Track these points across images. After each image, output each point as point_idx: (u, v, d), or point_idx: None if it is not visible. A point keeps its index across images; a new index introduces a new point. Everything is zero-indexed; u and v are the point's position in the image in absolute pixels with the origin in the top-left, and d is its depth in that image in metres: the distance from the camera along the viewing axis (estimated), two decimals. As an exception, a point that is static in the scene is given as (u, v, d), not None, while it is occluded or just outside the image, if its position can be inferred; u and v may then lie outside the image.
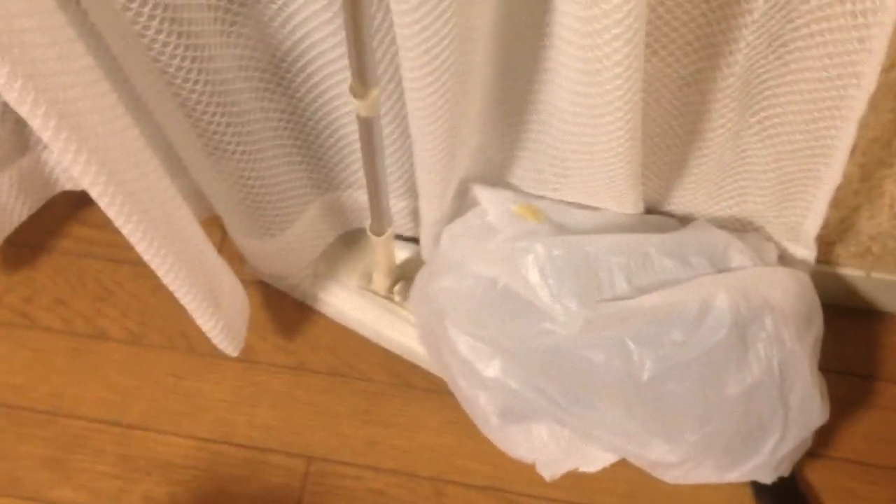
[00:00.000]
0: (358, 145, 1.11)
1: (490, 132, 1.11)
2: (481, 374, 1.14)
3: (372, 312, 1.32)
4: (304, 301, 1.36)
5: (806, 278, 1.11)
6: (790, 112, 0.93)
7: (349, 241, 1.35)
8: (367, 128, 1.01)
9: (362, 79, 0.93)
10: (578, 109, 0.93)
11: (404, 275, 1.31)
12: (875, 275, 1.21)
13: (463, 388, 1.18)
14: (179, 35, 0.89)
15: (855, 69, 0.83)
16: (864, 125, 0.93)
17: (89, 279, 1.41)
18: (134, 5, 0.84)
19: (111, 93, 0.88)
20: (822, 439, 1.20)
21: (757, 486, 1.20)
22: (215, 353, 1.29)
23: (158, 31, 0.88)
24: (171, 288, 1.06)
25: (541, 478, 1.23)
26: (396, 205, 1.25)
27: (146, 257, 1.00)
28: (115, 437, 1.30)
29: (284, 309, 1.37)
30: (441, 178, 1.08)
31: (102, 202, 0.87)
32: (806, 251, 1.13)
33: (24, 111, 0.75)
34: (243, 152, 1.08)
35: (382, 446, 1.28)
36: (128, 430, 1.31)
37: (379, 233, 1.17)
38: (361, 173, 1.18)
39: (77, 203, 1.45)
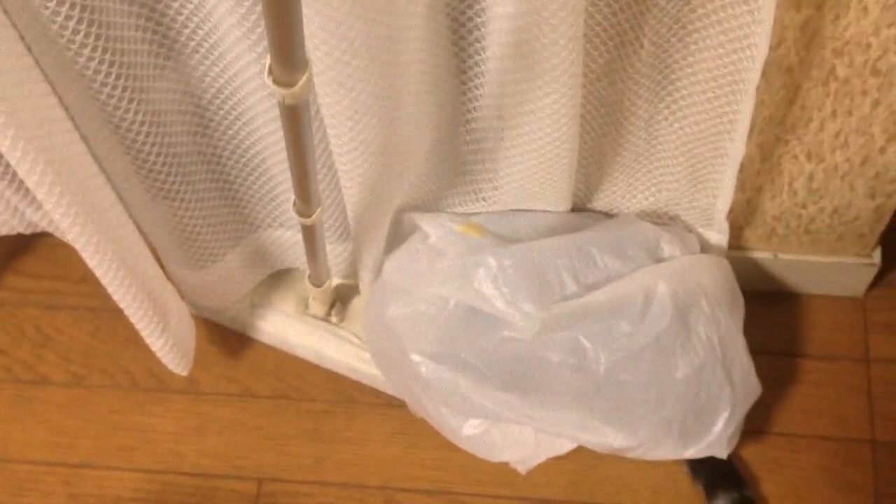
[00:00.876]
0: (286, 187, 1.15)
1: (422, 167, 1.15)
2: (446, 394, 1.16)
3: (311, 335, 1.34)
4: (244, 332, 1.38)
5: (726, 263, 1.18)
6: (694, 94, 1.00)
7: (282, 270, 1.37)
8: (310, 234, 1.06)
9: (306, 199, 0.98)
10: (515, 109, 0.98)
11: (340, 297, 1.34)
12: (782, 256, 1.27)
13: (429, 408, 1.20)
14: (120, 65, 0.92)
15: (748, 41, 0.90)
16: (759, 104, 1.00)
17: (28, 327, 1.41)
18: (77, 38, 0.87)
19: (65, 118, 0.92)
20: (749, 414, 1.25)
21: (691, 461, 1.24)
22: (160, 386, 1.32)
23: (100, 63, 0.91)
24: (123, 304, 1.08)
25: (486, 476, 1.26)
26: (334, 250, 1.28)
27: (103, 276, 1.02)
28: (63, 478, 1.30)
29: (226, 340, 1.39)
30: (374, 218, 1.13)
31: (59, 216, 0.89)
32: (720, 235, 1.19)
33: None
34: (174, 182, 1.10)
35: (331, 461, 1.30)
36: (76, 469, 1.31)
37: (318, 285, 1.21)
38: (291, 215, 1.21)
39: (10, 253, 1.46)
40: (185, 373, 1.28)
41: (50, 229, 1.34)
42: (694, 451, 1.16)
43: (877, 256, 1.27)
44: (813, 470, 1.26)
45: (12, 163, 0.89)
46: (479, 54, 0.97)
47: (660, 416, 1.12)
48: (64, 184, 0.94)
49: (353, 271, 1.30)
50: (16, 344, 1.40)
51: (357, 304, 1.34)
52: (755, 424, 1.27)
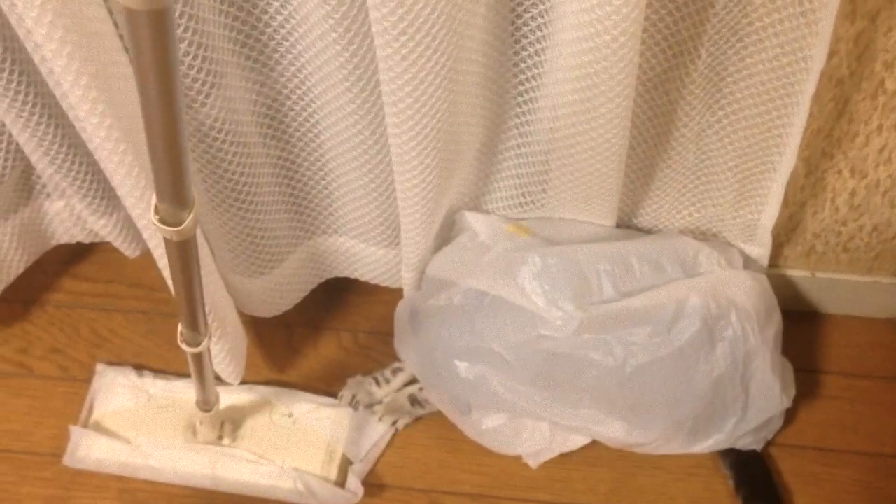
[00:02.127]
0: (345, 191, 1.17)
1: (475, 170, 1.18)
2: (474, 386, 1.19)
3: (205, 462, 1.29)
4: (135, 475, 1.31)
5: (764, 279, 1.21)
6: (747, 107, 1.02)
7: (162, 404, 1.35)
8: (198, 361, 1.08)
9: (195, 329, 1.00)
10: (571, 119, 1.00)
11: (228, 418, 1.31)
12: (819, 275, 1.29)
13: (453, 402, 1.23)
14: (204, 48, 0.95)
15: (804, 53, 0.93)
16: (808, 116, 1.02)
17: (84, 328, 1.43)
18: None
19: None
20: (786, 429, 1.27)
21: (735, 473, 1.25)
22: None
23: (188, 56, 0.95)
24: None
25: (527, 482, 1.27)
26: (375, 253, 1.31)
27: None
28: (115, 476, 1.31)
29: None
30: (425, 222, 1.15)
31: (126, 195, 0.92)
32: (761, 249, 1.22)
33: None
34: (244, 185, 1.13)
35: (379, 464, 1.31)
36: (129, 466, 1.32)
37: (208, 410, 1.23)
38: (349, 220, 1.24)
39: (68, 259, 1.48)
40: (236, 382, 1.31)
41: (109, 239, 1.36)
42: (700, 449, 1.21)
43: (912, 277, 1.29)
44: (848, 484, 1.27)
45: (106, 154, 0.92)
46: (538, 56, 1.00)
47: (674, 418, 1.18)
48: (148, 187, 0.97)
49: (395, 277, 1.31)
50: (72, 344, 1.42)
51: (249, 422, 1.32)
52: (792, 439, 1.29)
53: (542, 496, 1.28)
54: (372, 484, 1.29)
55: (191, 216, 0.79)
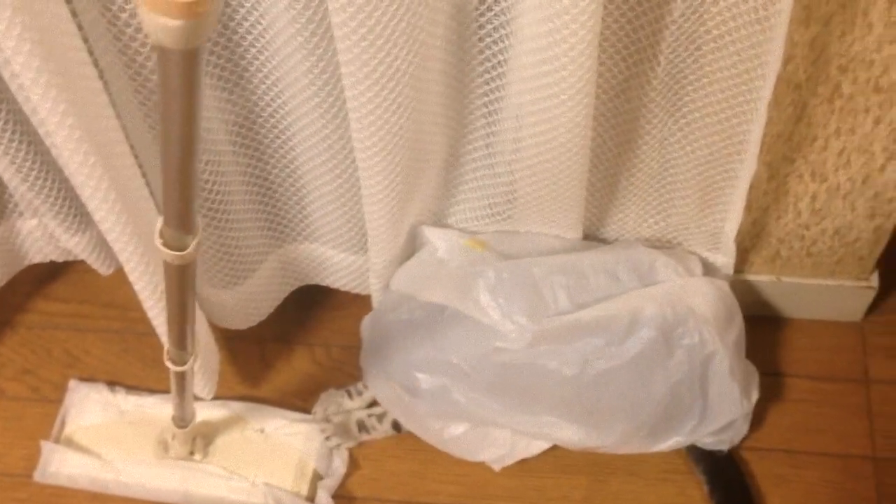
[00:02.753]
0: (315, 197, 1.18)
1: (442, 181, 1.19)
2: (435, 398, 1.20)
3: (177, 477, 1.29)
4: (106, 491, 1.30)
5: (724, 285, 1.21)
6: (707, 115, 1.03)
7: (133, 420, 1.34)
8: (181, 379, 1.09)
9: (182, 348, 1.01)
10: (533, 129, 1.01)
11: (200, 433, 1.31)
12: (784, 279, 1.30)
13: (417, 413, 1.23)
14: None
15: (760, 60, 0.94)
16: (767, 121, 1.03)
17: (55, 348, 1.43)
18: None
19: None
20: (754, 432, 1.28)
21: (709, 479, 1.26)
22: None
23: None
24: (157, 324, 1.11)
25: (501, 490, 1.28)
26: (345, 259, 1.31)
27: (142, 292, 1.05)
28: (90, 493, 1.30)
29: None
30: (391, 227, 1.15)
31: (96, 208, 0.92)
32: (725, 258, 1.23)
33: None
34: (217, 194, 1.13)
35: (353, 477, 1.30)
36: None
37: (184, 426, 1.23)
38: (318, 227, 1.24)
39: (40, 279, 1.48)
40: (209, 397, 1.30)
41: (82, 256, 1.36)
42: (658, 448, 1.23)
43: (875, 280, 1.30)
44: (817, 485, 1.28)
45: (75, 168, 0.92)
46: (501, 67, 1.00)
47: (632, 422, 1.19)
48: (118, 201, 0.98)
49: (365, 284, 1.32)
50: (44, 364, 1.42)
51: (220, 437, 1.32)
52: (760, 442, 1.30)
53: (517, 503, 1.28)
54: (345, 497, 1.29)
55: (195, 242, 0.81)
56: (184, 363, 1.07)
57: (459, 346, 1.18)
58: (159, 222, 0.80)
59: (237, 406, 1.35)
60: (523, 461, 1.28)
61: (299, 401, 1.37)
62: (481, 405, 1.20)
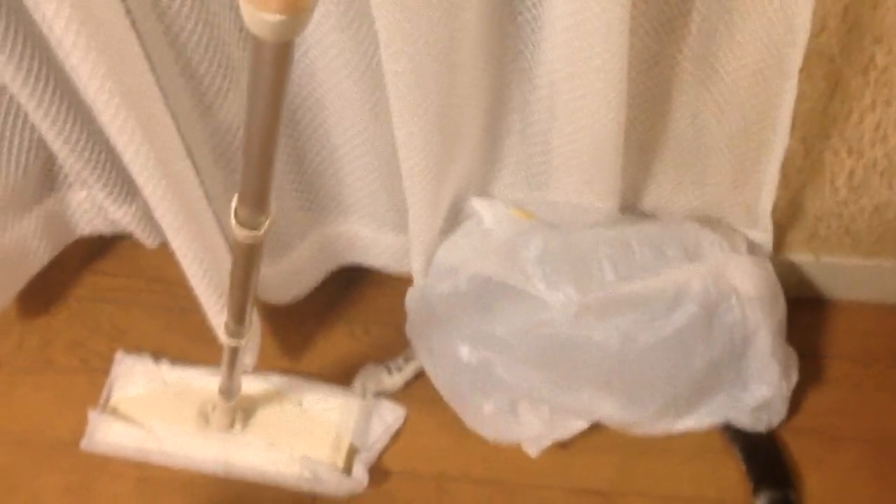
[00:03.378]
0: (354, 177, 1.19)
1: (480, 154, 1.19)
2: (477, 371, 1.19)
3: (217, 448, 1.31)
4: (147, 460, 1.32)
5: (768, 265, 1.20)
6: (740, 86, 1.02)
7: (177, 391, 1.36)
8: (234, 354, 1.11)
9: (241, 323, 1.02)
10: (569, 95, 1.01)
11: (241, 406, 1.32)
12: (823, 259, 1.28)
13: (459, 384, 1.23)
14: (220, 64, 0.99)
15: (790, 24, 0.92)
16: (801, 95, 1.02)
17: (104, 322, 1.45)
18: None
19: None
20: (793, 414, 1.27)
21: (747, 457, 1.25)
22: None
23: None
24: (205, 300, 1.12)
25: (533, 468, 1.28)
26: (385, 238, 1.31)
27: (189, 268, 1.12)
28: (133, 462, 1.32)
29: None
30: (430, 202, 1.15)
31: (138, 173, 0.94)
32: (764, 234, 1.21)
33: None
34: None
35: (387, 451, 1.31)
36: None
37: (230, 399, 1.25)
38: (358, 206, 1.25)
39: (89, 255, 1.50)
40: (250, 368, 1.32)
41: (130, 229, 1.38)
42: (690, 425, 1.23)
43: (915, 261, 1.28)
44: (855, 467, 1.27)
45: (121, 146, 0.94)
46: (535, 34, 1.00)
47: (669, 397, 1.19)
48: (163, 178, 1.00)
49: (405, 263, 1.32)
50: (92, 337, 1.44)
51: (260, 410, 1.33)
52: (798, 423, 1.29)
53: (549, 481, 1.28)
54: (380, 471, 1.30)
55: (268, 221, 0.82)
56: (241, 337, 1.09)
57: (504, 318, 1.18)
58: (234, 201, 0.81)
59: (277, 380, 1.36)
60: (557, 441, 1.28)
61: (337, 376, 1.38)
62: (523, 378, 1.19)
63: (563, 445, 1.28)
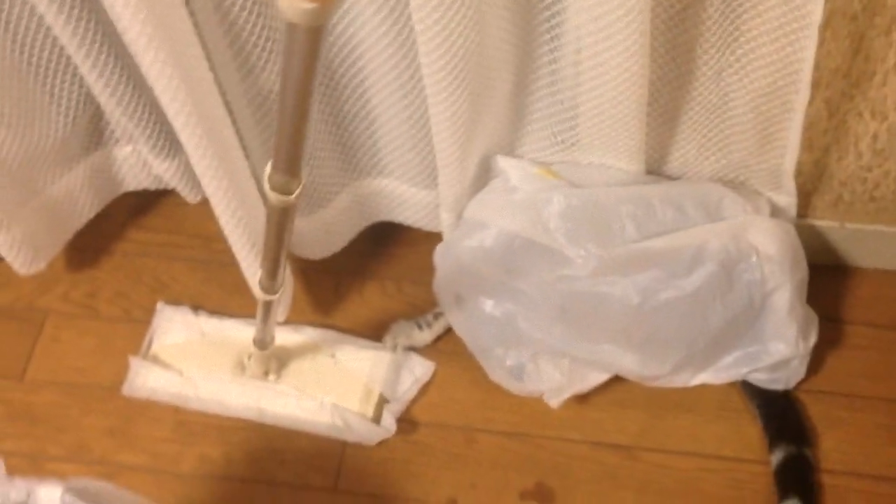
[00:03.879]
0: (386, 131, 1.22)
1: (508, 112, 1.21)
2: (500, 324, 1.24)
3: (252, 395, 1.35)
4: (186, 406, 1.37)
5: (790, 227, 1.22)
6: (763, 44, 1.04)
7: (214, 341, 1.41)
8: (269, 307, 1.15)
9: (274, 278, 1.06)
10: (594, 49, 1.03)
11: (276, 356, 1.36)
12: (848, 225, 1.30)
13: (483, 336, 1.26)
14: (263, 28, 1.03)
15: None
16: (825, 55, 1.04)
17: (146, 275, 1.50)
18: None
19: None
20: (813, 376, 1.29)
21: (763, 413, 1.27)
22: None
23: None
24: (240, 252, 1.17)
25: (559, 421, 1.30)
26: (417, 194, 1.35)
27: (226, 225, 1.17)
28: (172, 407, 1.37)
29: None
30: (459, 158, 1.18)
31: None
32: (788, 198, 1.23)
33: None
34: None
35: (417, 404, 1.35)
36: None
37: (264, 348, 1.30)
38: (390, 161, 1.28)
39: (133, 210, 1.55)
40: (282, 319, 1.36)
41: (173, 184, 1.42)
42: (705, 379, 1.27)
43: (939, 229, 1.29)
44: (872, 428, 1.28)
45: (165, 102, 0.98)
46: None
47: (687, 352, 1.21)
48: (204, 130, 1.04)
49: (436, 221, 1.35)
50: (135, 289, 1.49)
51: (294, 360, 1.37)
52: (817, 385, 1.31)
53: (574, 435, 1.31)
54: (410, 421, 1.33)
55: (300, 187, 0.87)
56: (274, 292, 1.13)
57: (528, 273, 1.21)
58: (268, 167, 0.85)
59: (311, 332, 1.40)
60: (582, 396, 1.31)
61: (370, 330, 1.41)
62: (545, 332, 1.22)
63: (587, 400, 1.31)
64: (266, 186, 0.87)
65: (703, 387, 1.29)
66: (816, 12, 0.96)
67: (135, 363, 1.38)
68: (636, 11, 0.95)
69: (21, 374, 1.41)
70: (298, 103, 0.76)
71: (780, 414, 1.27)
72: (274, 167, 0.85)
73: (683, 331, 1.19)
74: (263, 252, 1.05)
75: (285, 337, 1.38)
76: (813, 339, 1.23)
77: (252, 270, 1.24)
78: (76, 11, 1.12)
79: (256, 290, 1.13)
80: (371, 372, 1.35)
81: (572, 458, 1.29)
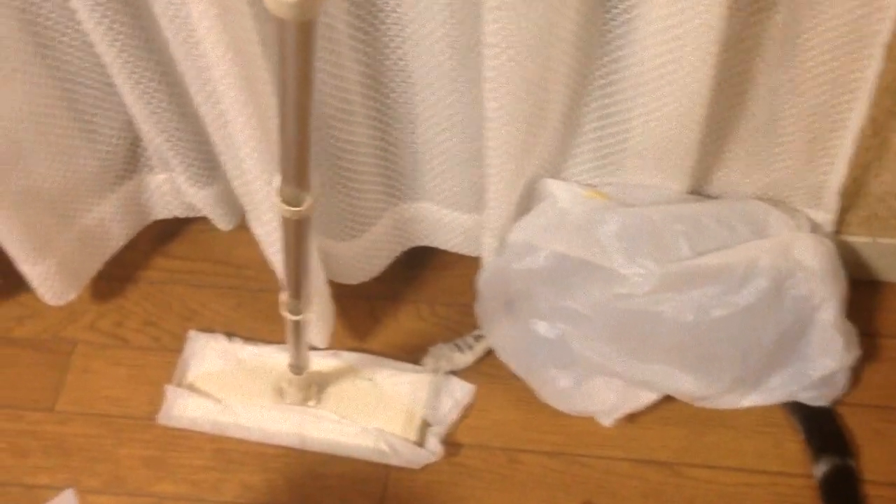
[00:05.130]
0: (434, 154, 1.22)
1: (558, 134, 1.21)
2: (553, 346, 1.24)
3: (293, 421, 1.34)
4: (224, 433, 1.36)
5: (830, 243, 1.24)
6: (821, 63, 1.04)
7: (251, 367, 1.40)
8: (297, 328, 1.14)
9: (299, 298, 1.06)
10: (657, 61, 1.04)
11: (315, 381, 1.36)
12: (881, 240, 1.32)
13: (533, 359, 1.27)
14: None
15: (883, 2, 0.96)
16: (879, 74, 1.05)
17: (175, 303, 1.48)
18: None
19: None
20: (850, 389, 1.30)
21: (806, 426, 1.28)
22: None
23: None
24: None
25: (602, 440, 1.31)
26: (458, 218, 1.35)
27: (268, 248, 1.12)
28: (209, 435, 1.35)
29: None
30: (511, 183, 1.18)
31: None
32: (826, 214, 1.24)
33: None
34: (346, 141, 1.18)
35: (458, 426, 1.34)
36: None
37: (300, 373, 1.28)
38: (435, 185, 1.28)
39: (157, 238, 1.53)
40: (324, 345, 1.35)
41: (206, 212, 1.41)
42: (758, 400, 1.28)
43: (970, 245, 1.32)
44: (912, 441, 1.29)
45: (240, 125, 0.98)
46: (628, 13, 1.03)
47: (740, 371, 1.23)
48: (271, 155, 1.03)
49: (475, 245, 1.35)
50: (164, 317, 1.47)
51: (333, 385, 1.36)
52: (856, 398, 1.31)
53: (617, 453, 1.31)
54: (451, 443, 1.32)
55: (309, 198, 0.85)
56: (299, 313, 1.11)
57: (581, 292, 1.21)
58: (277, 180, 0.84)
59: (349, 356, 1.39)
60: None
61: (406, 354, 1.40)
62: (598, 352, 1.22)
63: (631, 419, 1.31)
64: (276, 199, 0.85)
65: (745, 403, 1.30)
66: (884, 31, 0.98)
67: (171, 392, 1.36)
68: (707, 27, 0.95)
69: (51, 405, 1.38)
70: (299, 108, 0.74)
71: (823, 427, 1.28)
72: (283, 180, 0.83)
73: (737, 347, 1.20)
74: (285, 271, 1.03)
75: (323, 362, 1.37)
76: (856, 350, 1.25)
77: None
78: (123, 37, 1.11)
79: (283, 312, 1.12)
80: (412, 395, 1.34)
81: (617, 475, 1.29)
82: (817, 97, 1.08)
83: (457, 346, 1.36)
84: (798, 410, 1.29)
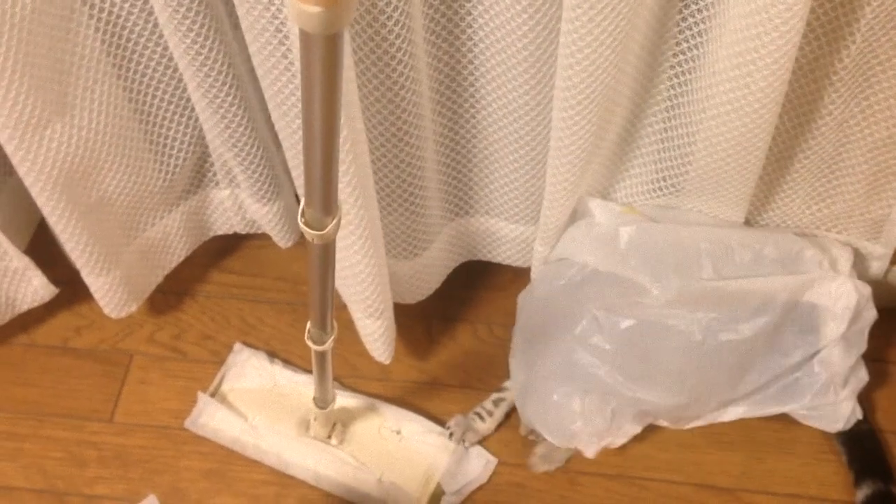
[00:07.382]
0: (497, 167, 1.24)
1: (615, 149, 1.23)
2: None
3: (311, 457, 1.34)
4: (244, 453, 1.37)
5: (861, 285, 1.23)
6: (892, 96, 1.06)
7: (284, 392, 1.42)
8: (322, 359, 1.14)
9: (323, 328, 1.05)
10: (727, 86, 1.05)
11: (341, 419, 1.36)
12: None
13: (544, 384, 1.29)
14: (403, 26, 1.02)
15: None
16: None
17: (233, 317, 1.50)
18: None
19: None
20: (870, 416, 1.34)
21: (848, 450, 1.32)
22: (354, 373, 1.42)
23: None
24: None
25: (660, 465, 1.33)
26: (513, 230, 1.36)
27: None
28: (227, 451, 1.37)
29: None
30: (569, 195, 1.19)
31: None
32: (884, 249, 1.25)
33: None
34: (415, 157, 1.19)
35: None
36: (278, 443, 1.38)
37: (324, 407, 1.29)
38: (493, 198, 1.30)
39: (214, 253, 1.56)
40: (388, 361, 1.36)
41: (268, 228, 1.44)
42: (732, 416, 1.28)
43: None
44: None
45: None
46: (697, 38, 1.05)
47: (729, 395, 1.25)
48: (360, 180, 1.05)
49: (524, 254, 1.37)
50: (222, 331, 1.49)
51: (357, 426, 1.36)
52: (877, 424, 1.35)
53: (677, 477, 1.32)
54: (516, 465, 1.34)
55: (333, 222, 0.83)
56: (323, 343, 1.09)
57: (597, 299, 1.23)
58: (302, 202, 0.82)
59: (379, 403, 1.39)
60: (682, 438, 1.33)
61: (463, 374, 1.43)
62: (605, 370, 1.23)
63: (686, 443, 1.33)
64: (300, 222, 0.83)
65: (802, 429, 1.31)
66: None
67: (202, 399, 1.38)
68: (781, 53, 0.97)
69: (110, 416, 1.41)
70: (324, 126, 0.71)
71: (865, 452, 1.30)
72: (307, 203, 0.81)
73: (734, 374, 1.22)
74: (309, 298, 1.00)
75: (352, 402, 1.38)
76: (854, 386, 1.26)
77: (371, 326, 1.26)
78: (205, 50, 1.13)
79: (308, 341, 1.10)
80: (434, 458, 1.34)
81: (676, 499, 1.31)
82: (887, 129, 1.10)
83: (477, 414, 1.36)
84: (841, 434, 1.30)
